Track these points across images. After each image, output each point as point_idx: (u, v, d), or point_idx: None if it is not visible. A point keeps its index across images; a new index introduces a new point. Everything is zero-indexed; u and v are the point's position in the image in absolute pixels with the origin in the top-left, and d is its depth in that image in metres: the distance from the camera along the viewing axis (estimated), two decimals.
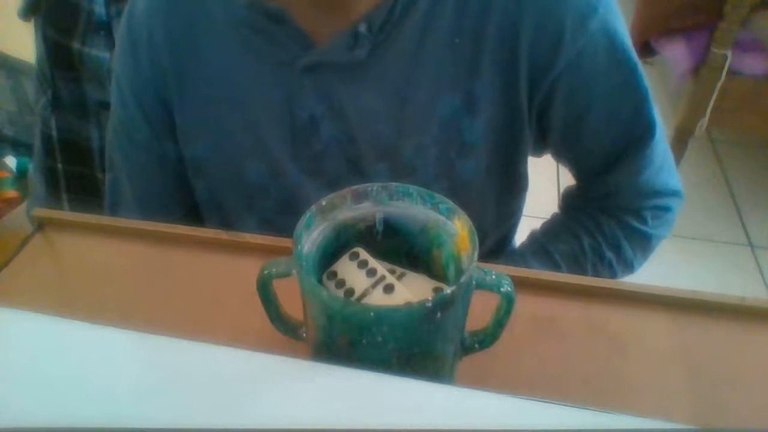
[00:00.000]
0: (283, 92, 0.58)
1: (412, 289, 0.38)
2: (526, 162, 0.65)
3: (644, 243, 0.65)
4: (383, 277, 0.39)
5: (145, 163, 0.67)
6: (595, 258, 0.64)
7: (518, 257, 0.65)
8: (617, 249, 0.64)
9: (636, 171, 0.62)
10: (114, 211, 0.71)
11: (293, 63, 0.56)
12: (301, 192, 0.62)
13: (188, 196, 0.69)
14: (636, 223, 0.63)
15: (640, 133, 0.60)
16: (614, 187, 0.63)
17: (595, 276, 0.63)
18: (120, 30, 0.62)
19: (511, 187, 0.66)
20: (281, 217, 0.64)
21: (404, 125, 0.58)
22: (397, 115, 0.58)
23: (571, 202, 0.69)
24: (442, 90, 0.57)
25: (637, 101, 0.59)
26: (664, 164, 0.63)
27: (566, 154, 0.64)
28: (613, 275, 0.65)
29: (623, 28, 0.57)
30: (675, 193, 0.65)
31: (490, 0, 0.54)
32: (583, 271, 0.64)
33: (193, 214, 0.71)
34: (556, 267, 0.63)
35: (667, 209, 0.65)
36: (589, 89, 0.58)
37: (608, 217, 0.64)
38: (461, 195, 0.59)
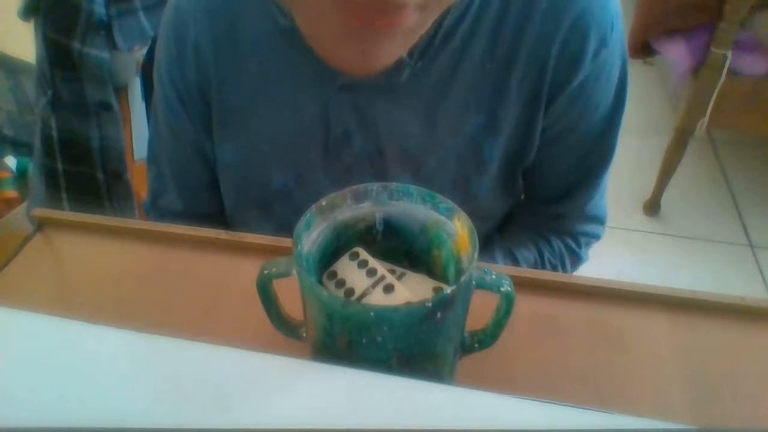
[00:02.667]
0: (320, 106, 0.59)
1: (412, 289, 0.38)
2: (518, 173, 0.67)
3: (576, 264, 0.72)
4: (383, 277, 0.39)
5: (188, 159, 0.68)
6: (549, 267, 0.69)
7: (487, 256, 0.67)
8: (562, 264, 0.71)
9: (587, 198, 0.68)
10: (155, 202, 0.73)
11: (330, 81, 0.58)
12: None
13: None
14: (574, 246, 0.71)
15: (601, 160, 0.65)
16: (563, 211, 0.69)
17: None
18: (164, 33, 0.63)
19: (514, 198, 0.69)
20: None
21: (430, 142, 0.60)
22: (426, 132, 0.60)
23: (524, 217, 0.73)
24: (470, 111, 0.59)
25: (613, 127, 0.63)
26: (605, 189, 0.69)
27: (531, 170, 0.66)
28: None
29: (626, 51, 0.60)
30: (602, 221, 0.72)
31: (524, 27, 0.56)
32: None
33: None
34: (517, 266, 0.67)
35: (596, 236, 0.72)
36: (579, 116, 0.61)
37: (555, 237, 0.70)
38: (471, 206, 0.62)
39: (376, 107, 0.59)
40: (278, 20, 0.57)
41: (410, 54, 0.55)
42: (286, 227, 0.66)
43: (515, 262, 0.67)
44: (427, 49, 0.55)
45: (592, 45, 0.56)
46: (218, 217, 0.73)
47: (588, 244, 0.72)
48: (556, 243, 0.70)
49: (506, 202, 0.68)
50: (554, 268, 0.70)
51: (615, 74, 0.60)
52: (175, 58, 0.63)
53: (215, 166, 0.68)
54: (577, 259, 0.72)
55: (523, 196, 0.72)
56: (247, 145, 0.64)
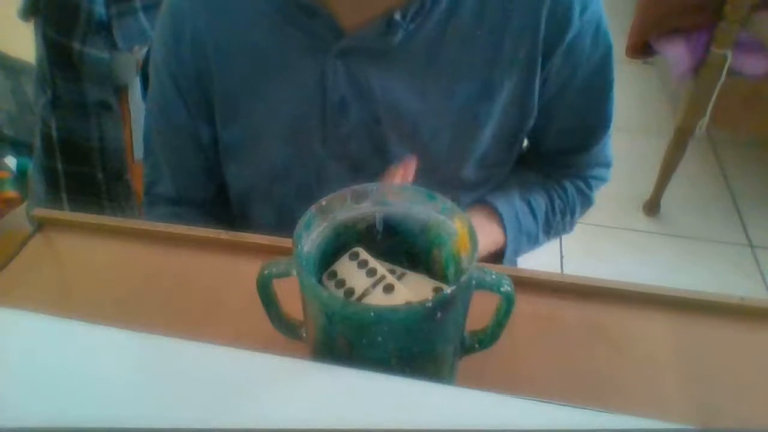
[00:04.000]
0: (317, 76, 0.61)
1: (412, 289, 0.38)
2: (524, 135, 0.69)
3: (586, 205, 0.77)
4: (383, 277, 0.39)
5: (182, 144, 0.70)
6: (559, 217, 0.73)
7: (508, 203, 0.69)
8: (572, 211, 0.75)
9: (597, 148, 0.72)
10: (149, 191, 0.75)
11: (326, 50, 0.59)
12: (324, 174, 0.66)
13: (219, 177, 0.72)
14: (585, 189, 0.75)
15: (604, 115, 0.69)
16: (574, 161, 0.73)
17: (549, 230, 0.74)
18: (161, 21, 0.65)
19: (508, 165, 0.71)
20: (301, 203, 0.67)
21: (423, 108, 0.62)
22: (418, 99, 0.61)
23: (538, 165, 0.75)
24: (461, 78, 0.61)
25: (607, 86, 0.66)
26: (610, 135, 0.73)
27: (537, 128, 0.68)
28: (562, 231, 0.77)
29: (606, 21, 0.63)
30: (609, 165, 0.76)
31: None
32: (548, 227, 0.73)
33: (224, 196, 0.74)
34: (533, 218, 0.71)
35: (603, 179, 0.77)
36: (575, 68, 0.63)
37: (569, 183, 0.74)
38: (466, 170, 0.65)
39: (370, 74, 0.60)
40: None
41: (403, 15, 0.57)
42: (287, 209, 0.68)
43: (532, 212, 0.70)
44: (419, 11, 0.57)
45: (577, 3, 0.59)
46: (209, 204, 0.74)
47: (597, 187, 0.76)
48: (570, 187, 0.74)
49: (500, 170, 0.70)
50: (563, 216, 0.73)
51: (603, 28, 0.63)
52: (172, 47, 0.64)
53: (213, 151, 0.69)
54: (588, 202, 0.76)
55: (530, 149, 0.74)
56: (249, 124, 0.65)
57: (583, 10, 0.60)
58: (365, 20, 0.58)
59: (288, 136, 0.64)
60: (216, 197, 0.74)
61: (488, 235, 0.67)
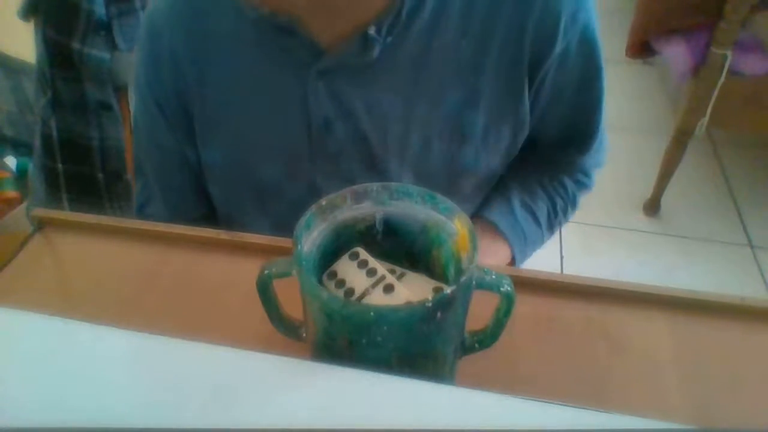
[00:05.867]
0: (299, 96, 0.60)
1: (412, 289, 0.38)
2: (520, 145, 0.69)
3: (585, 192, 0.77)
4: (383, 277, 0.39)
5: (170, 164, 0.69)
6: (561, 215, 0.74)
7: (510, 218, 0.69)
8: (573, 205, 0.76)
9: (594, 146, 0.72)
10: (142, 211, 0.75)
11: (307, 69, 0.58)
12: (317, 192, 0.65)
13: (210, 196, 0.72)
14: (584, 180, 0.76)
15: (597, 114, 0.68)
16: (577, 157, 0.73)
17: (552, 230, 0.75)
18: (140, 42, 0.64)
19: (504, 166, 0.70)
20: (295, 219, 0.67)
21: (411, 122, 0.61)
22: (405, 112, 0.61)
23: (539, 163, 0.74)
24: (447, 87, 0.60)
25: (598, 81, 0.66)
26: (604, 129, 0.72)
27: (533, 132, 0.68)
28: (561, 225, 0.77)
29: (597, 25, 0.62)
30: (605, 149, 0.75)
31: (497, 4, 0.57)
32: (551, 228, 0.74)
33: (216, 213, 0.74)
34: (537, 226, 0.71)
35: (599, 165, 0.76)
36: (568, 74, 0.63)
37: (568, 179, 0.74)
38: (461, 180, 0.65)
39: (353, 93, 0.59)
40: (248, 14, 0.58)
41: (378, 30, 0.56)
42: (283, 224, 0.67)
43: (535, 219, 0.71)
44: (394, 24, 0.56)
45: (567, 11, 0.58)
46: (204, 222, 0.72)
47: (595, 172, 0.76)
48: (569, 184, 0.74)
49: (495, 178, 0.70)
50: (564, 213, 0.74)
51: (596, 35, 0.62)
52: (152, 67, 0.63)
53: (199, 169, 0.68)
54: (587, 190, 0.77)
55: (527, 148, 0.73)
56: (232, 144, 0.64)
57: (574, 17, 0.58)
58: (341, 37, 0.57)
59: (276, 154, 0.64)
60: (210, 215, 0.73)
61: (495, 255, 0.67)
